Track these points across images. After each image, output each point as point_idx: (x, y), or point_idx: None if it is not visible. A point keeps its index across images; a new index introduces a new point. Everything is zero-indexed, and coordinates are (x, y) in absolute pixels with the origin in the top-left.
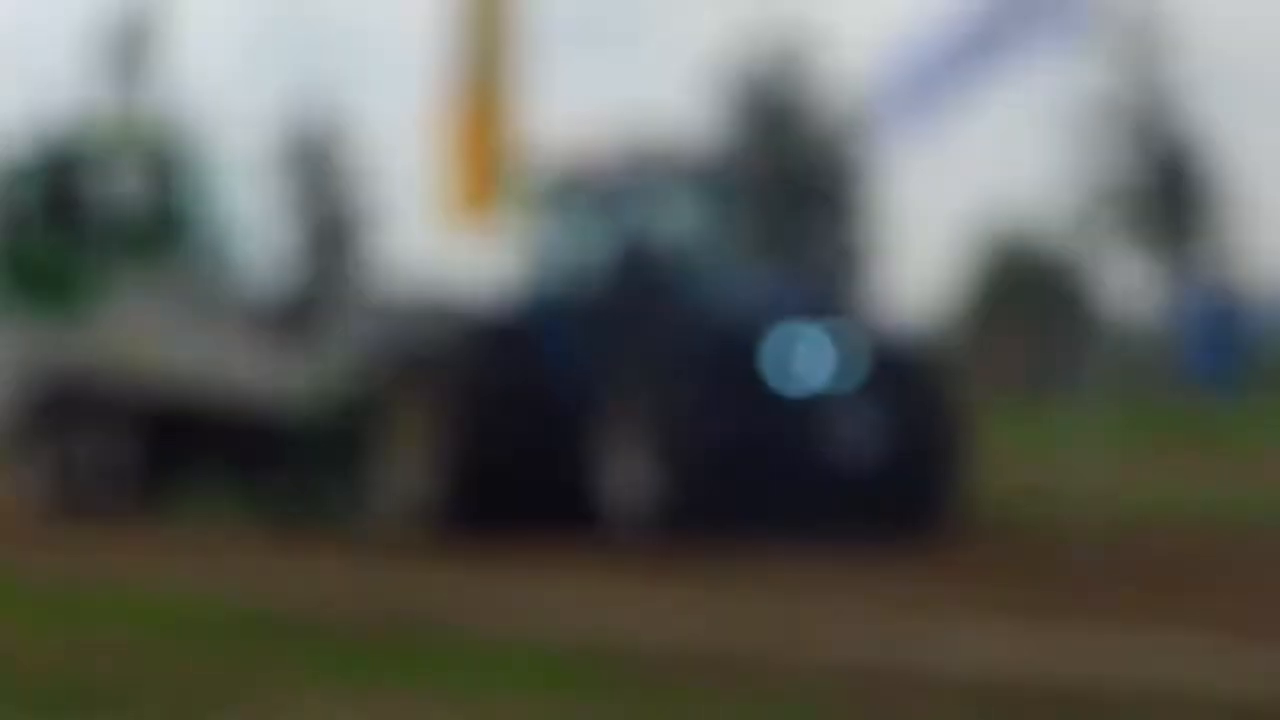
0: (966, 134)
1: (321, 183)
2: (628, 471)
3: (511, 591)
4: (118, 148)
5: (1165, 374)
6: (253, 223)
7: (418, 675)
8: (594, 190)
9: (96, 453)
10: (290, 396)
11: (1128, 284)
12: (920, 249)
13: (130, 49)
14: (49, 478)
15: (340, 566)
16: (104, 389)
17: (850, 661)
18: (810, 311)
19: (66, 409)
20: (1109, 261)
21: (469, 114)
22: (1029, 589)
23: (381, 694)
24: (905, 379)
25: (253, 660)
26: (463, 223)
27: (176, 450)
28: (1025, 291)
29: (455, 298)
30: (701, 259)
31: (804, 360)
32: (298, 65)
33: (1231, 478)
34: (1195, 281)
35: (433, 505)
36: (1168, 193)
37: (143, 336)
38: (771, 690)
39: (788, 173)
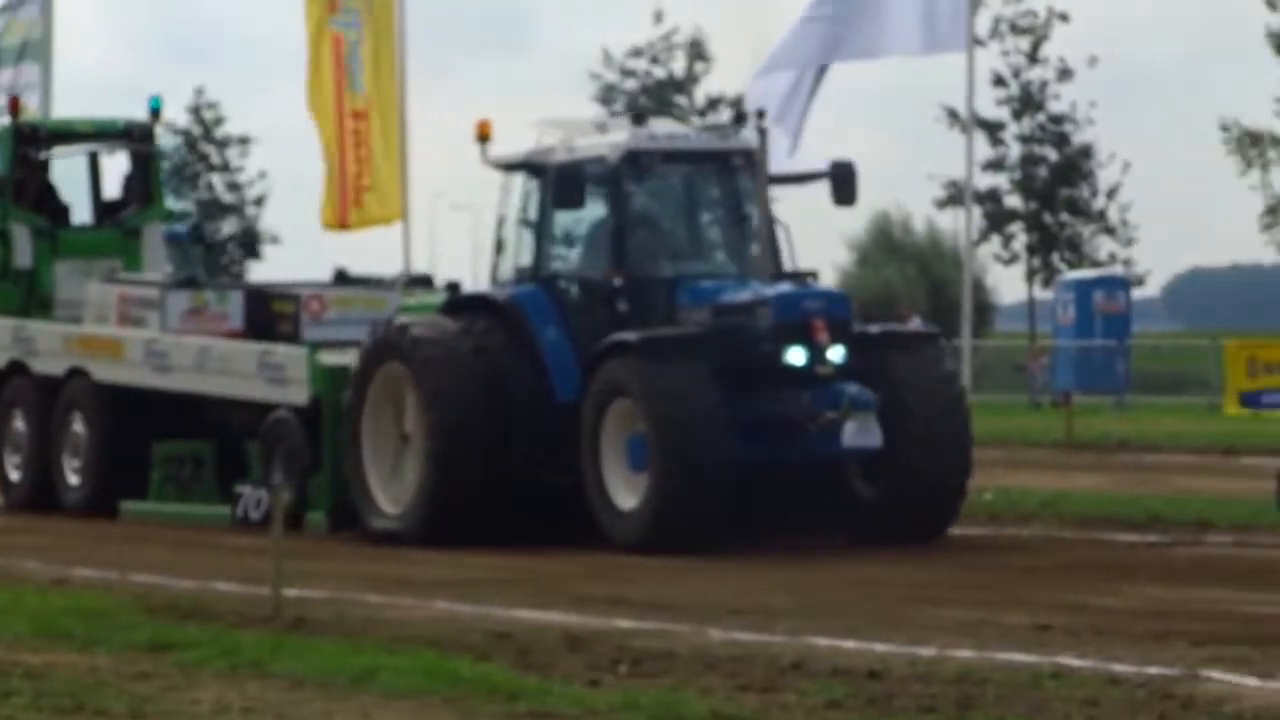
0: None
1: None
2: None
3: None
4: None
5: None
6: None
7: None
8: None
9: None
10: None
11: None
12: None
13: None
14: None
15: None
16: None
17: None
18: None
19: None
20: (989, 250)
21: (354, 121)
22: None
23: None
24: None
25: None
26: (347, 223)
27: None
28: (906, 278)
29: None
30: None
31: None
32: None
33: None
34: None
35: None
36: (1050, 181)
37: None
38: None
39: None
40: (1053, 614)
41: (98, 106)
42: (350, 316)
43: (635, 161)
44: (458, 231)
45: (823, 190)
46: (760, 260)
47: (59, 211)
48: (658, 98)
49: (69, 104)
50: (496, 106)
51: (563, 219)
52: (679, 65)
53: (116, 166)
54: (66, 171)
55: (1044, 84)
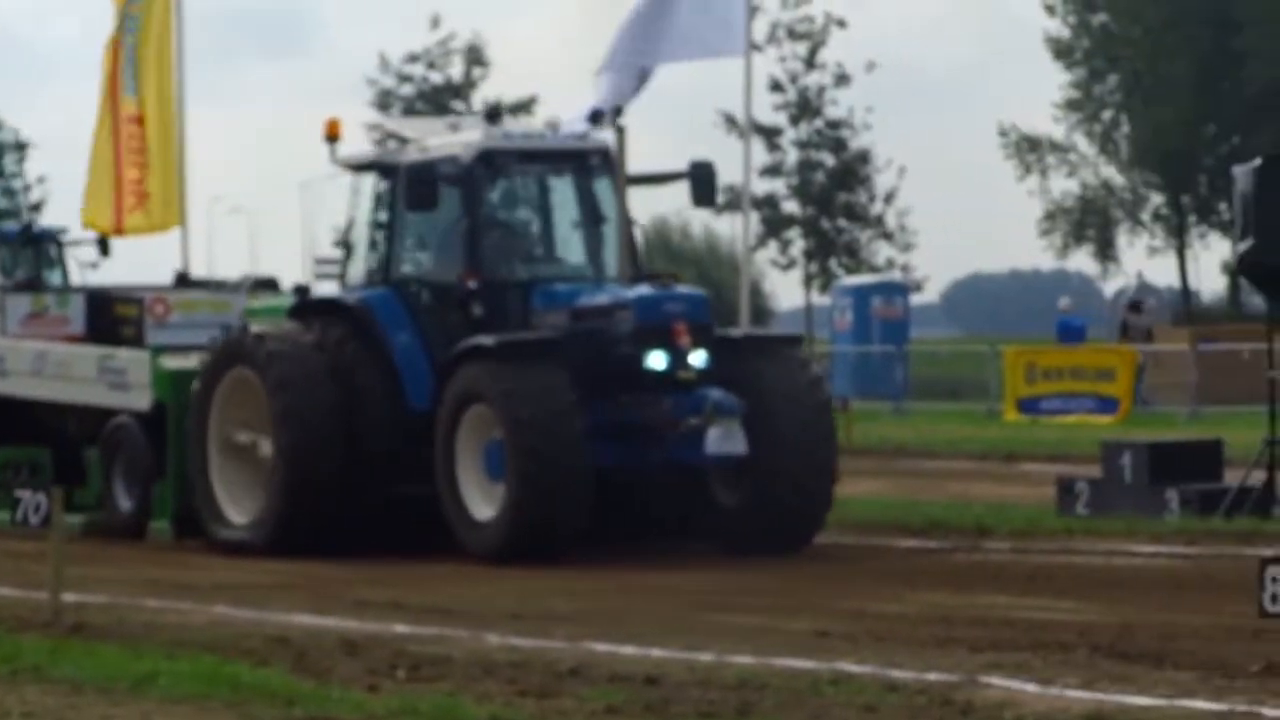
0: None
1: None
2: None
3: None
4: None
5: None
6: None
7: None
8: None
9: None
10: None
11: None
12: None
13: None
14: None
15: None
16: None
17: None
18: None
19: None
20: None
21: (131, 125)
22: None
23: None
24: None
25: None
26: (123, 228)
27: None
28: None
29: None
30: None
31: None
32: None
33: None
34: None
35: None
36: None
37: None
38: None
39: None
40: (832, 620)
41: None
42: (195, 320)
43: (490, 161)
44: (236, 235)
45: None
46: (618, 262)
47: None
48: (435, 103)
49: None
50: (273, 110)
51: (414, 221)
52: (457, 70)
53: None
54: None
55: (821, 89)
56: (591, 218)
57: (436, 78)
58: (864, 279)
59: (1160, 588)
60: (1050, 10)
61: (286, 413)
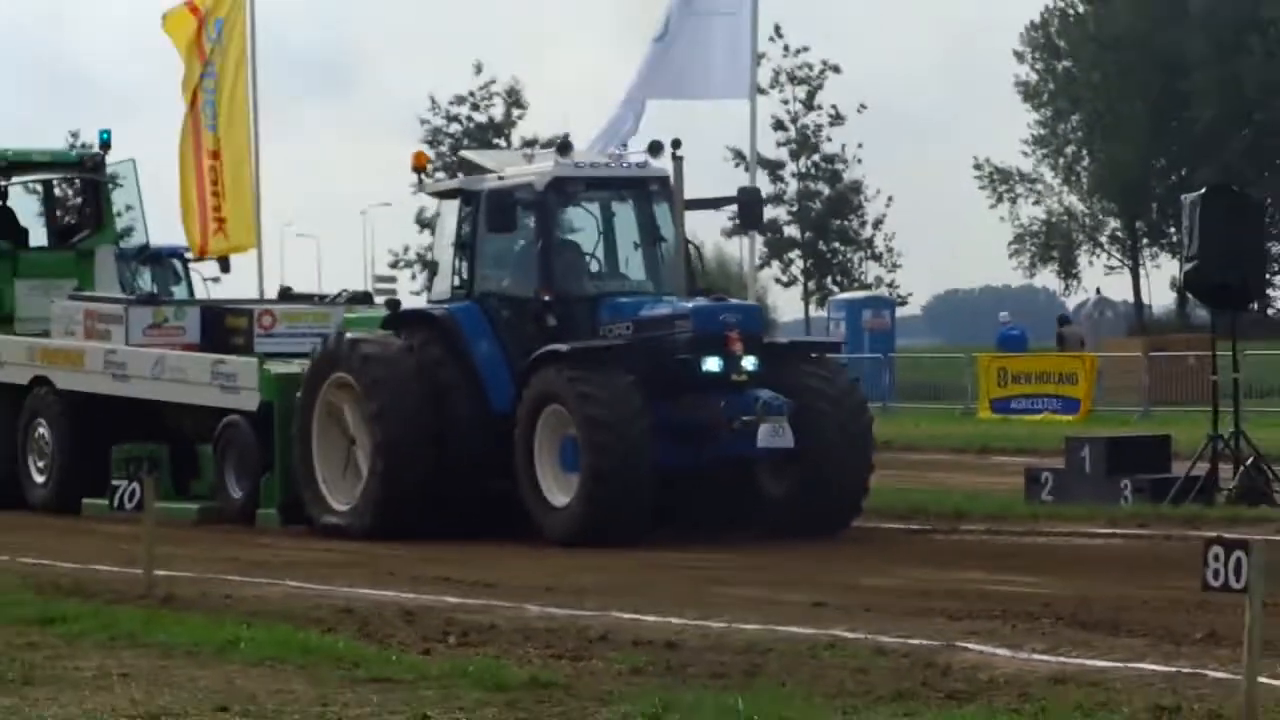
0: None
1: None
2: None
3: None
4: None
5: None
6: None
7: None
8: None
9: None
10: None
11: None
12: None
13: None
14: None
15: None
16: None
17: None
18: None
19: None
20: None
21: (210, 159)
22: None
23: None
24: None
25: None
26: (207, 250)
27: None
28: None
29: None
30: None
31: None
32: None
33: None
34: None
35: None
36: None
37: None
38: None
39: None
40: (828, 592)
41: None
42: (298, 330)
43: (561, 188)
44: (305, 256)
45: None
46: (676, 277)
47: (18, 235)
48: (478, 140)
49: None
50: (336, 145)
51: (493, 241)
52: (498, 110)
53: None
54: (23, 198)
55: (818, 128)
56: (651, 238)
57: (480, 117)
58: (855, 294)
59: (1115, 565)
60: (1020, 57)
61: (381, 412)
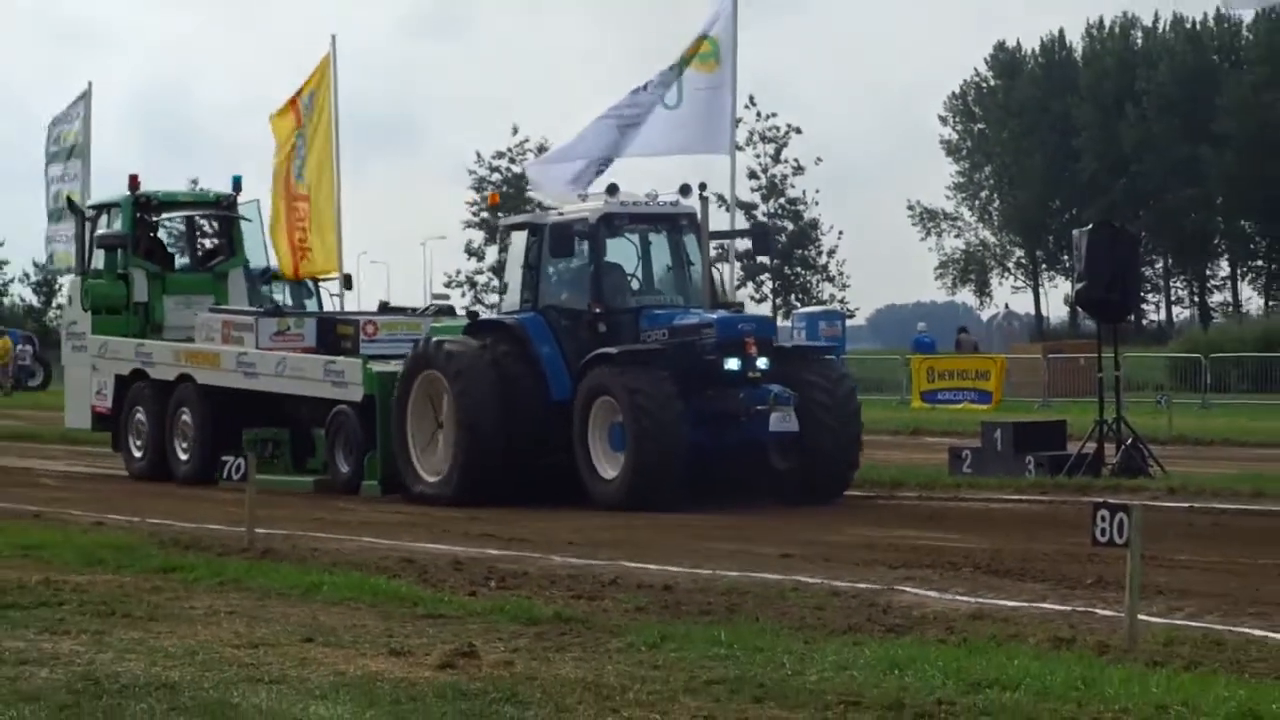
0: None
1: None
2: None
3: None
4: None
5: None
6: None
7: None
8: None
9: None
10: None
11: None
12: None
13: None
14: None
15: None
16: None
17: None
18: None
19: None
20: (746, 293)
21: (297, 202)
22: None
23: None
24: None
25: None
26: (299, 273)
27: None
28: None
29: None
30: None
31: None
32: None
33: None
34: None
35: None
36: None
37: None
38: None
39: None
40: (793, 546)
41: (114, 190)
42: (396, 337)
43: (609, 222)
44: (378, 279)
45: None
46: (702, 294)
47: (166, 260)
48: (516, 188)
49: (100, 188)
50: (400, 190)
51: (554, 265)
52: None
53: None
54: (172, 230)
55: (784, 177)
56: (682, 262)
57: (516, 169)
58: (813, 309)
59: (1021, 525)
60: (943, 120)
61: (463, 398)
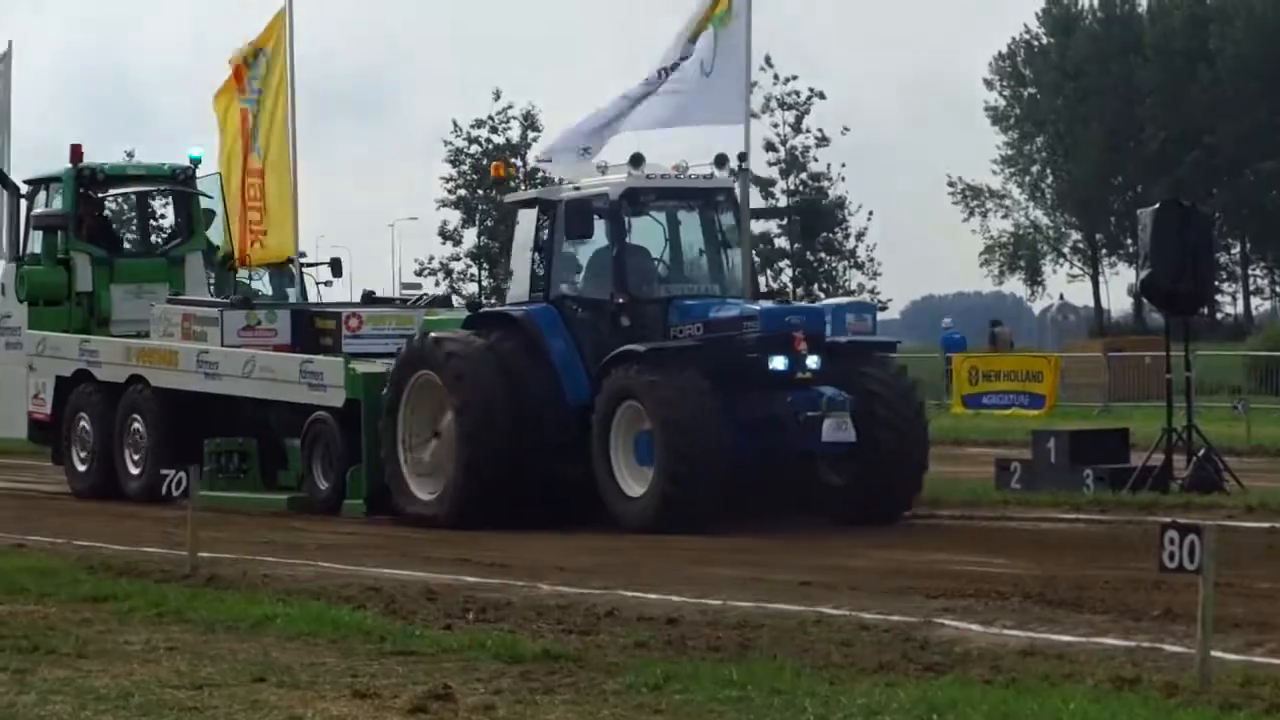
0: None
1: None
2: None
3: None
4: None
5: None
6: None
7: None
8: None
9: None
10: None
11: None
12: None
13: None
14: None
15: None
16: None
17: None
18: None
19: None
20: (763, 282)
21: (253, 178)
22: None
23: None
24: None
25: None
26: (246, 260)
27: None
28: None
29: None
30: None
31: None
32: None
33: None
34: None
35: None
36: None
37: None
38: None
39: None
40: (814, 572)
41: (50, 164)
42: (384, 332)
43: (634, 198)
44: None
45: None
46: (741, 282)
47: (113, 243)
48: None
49: (22, 162)
50: (368, 164)
51: (568, 248)
52: (514, 133)
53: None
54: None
55: (806, 149)
56: (717, 245)
57: (498, 139)
58: (840, 300)
59: (1078, 548)
60: (989, 85)
61: (465, 406)
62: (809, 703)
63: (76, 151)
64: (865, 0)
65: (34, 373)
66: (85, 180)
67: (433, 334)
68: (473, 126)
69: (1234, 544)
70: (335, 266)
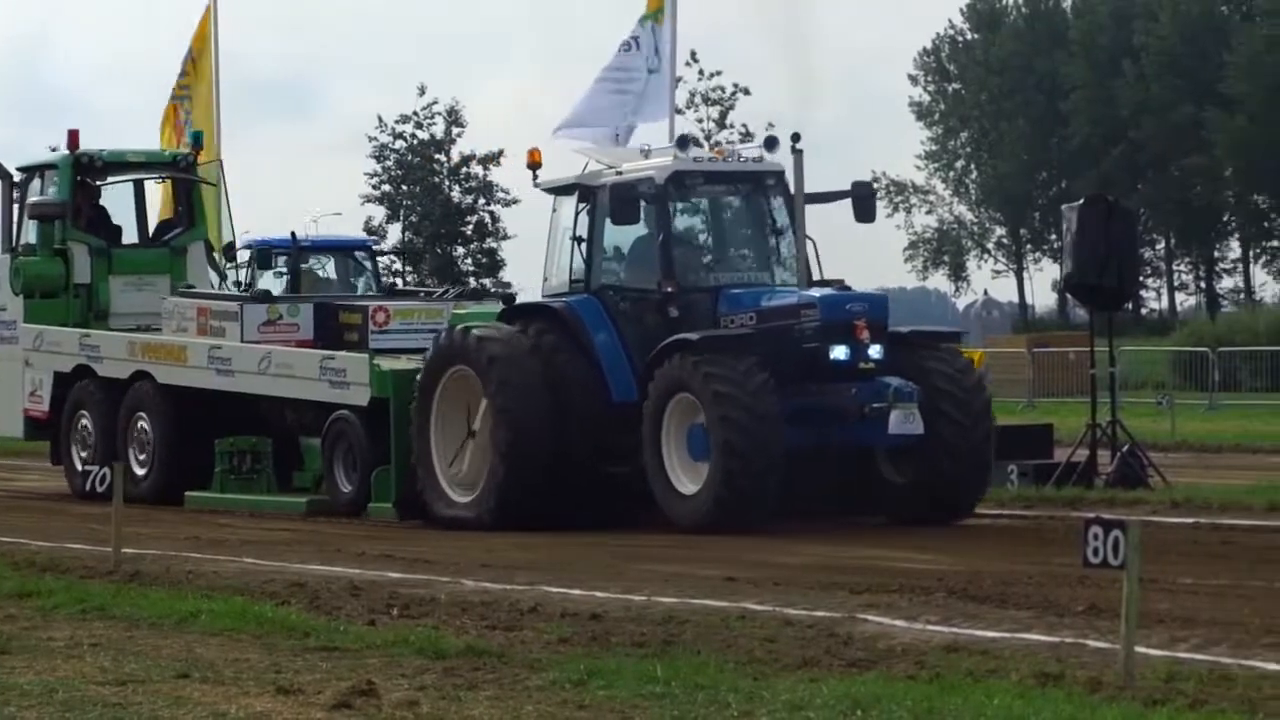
0: None
1: None
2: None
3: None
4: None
5: None
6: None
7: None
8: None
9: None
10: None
11: None
12: None
13: None
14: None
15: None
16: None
17: None
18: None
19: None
20: None
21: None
22: None
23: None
24: None
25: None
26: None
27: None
28: None
29: None
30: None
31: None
32: None
33: None
34: None
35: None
36: None
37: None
38: None
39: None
40: (738, 568)
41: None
42: (412, 326)
43: (680, 182)
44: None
45: None
46: (796, 268)
47: (112, 233)
48: (421, 155)
49: None
50: (295, 159)
51: (611, 234)
52: (439, 129)
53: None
54: (118, 197)
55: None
56: (768, 230)
57: (423, 135)
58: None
59: (1003, 543)
60: (914, 80)
61: (507, 406)
62: (732, 698)
63: (73, 137)
64: None
65: (30, 368)
66: (82, 167)
67: (472, 330)
68: (397, 122)
69: (1158, 539)
70: (400, 254)
